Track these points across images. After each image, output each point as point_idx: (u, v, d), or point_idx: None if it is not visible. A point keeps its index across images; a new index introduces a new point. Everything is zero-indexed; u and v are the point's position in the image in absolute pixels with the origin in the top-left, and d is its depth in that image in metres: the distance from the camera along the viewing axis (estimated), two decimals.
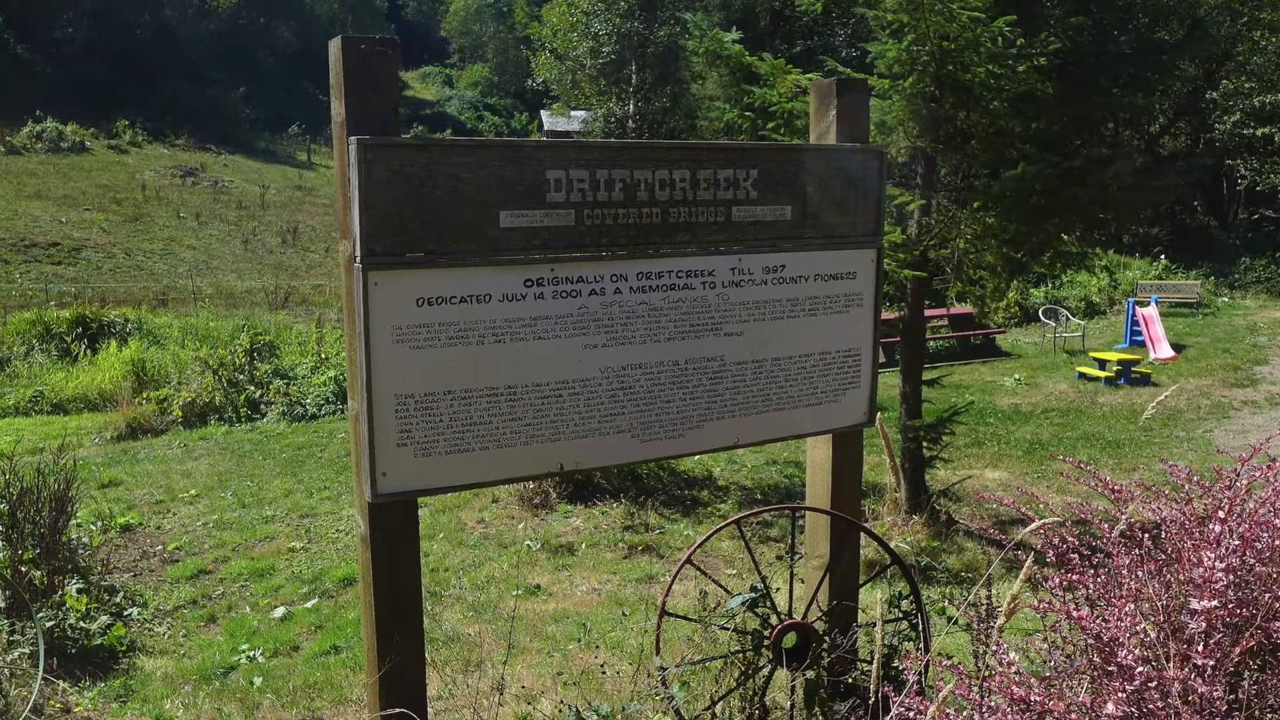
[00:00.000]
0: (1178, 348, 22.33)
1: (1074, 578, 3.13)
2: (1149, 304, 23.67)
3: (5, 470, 7.70)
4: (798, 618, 4.84)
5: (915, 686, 3.11)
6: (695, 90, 29.20)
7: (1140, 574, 3.08)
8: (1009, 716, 2.73)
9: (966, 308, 23.07)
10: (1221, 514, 3.00)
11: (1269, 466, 3.29)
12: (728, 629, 4.82)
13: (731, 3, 38.53)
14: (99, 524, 10.26)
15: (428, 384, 3.80)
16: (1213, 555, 2.87)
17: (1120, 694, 2.67)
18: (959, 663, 3.02)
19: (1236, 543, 2.90)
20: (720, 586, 5.28)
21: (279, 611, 8.27)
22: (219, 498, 11.74)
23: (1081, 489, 9.96)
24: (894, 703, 2.93)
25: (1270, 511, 3.08)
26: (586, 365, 4.13)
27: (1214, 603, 2.78)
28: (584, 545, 9.60)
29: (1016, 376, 19.75)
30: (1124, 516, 3.31)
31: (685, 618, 5.31)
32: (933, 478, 10.78)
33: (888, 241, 8.84)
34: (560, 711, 5.54)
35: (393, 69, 3.72)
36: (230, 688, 6.84)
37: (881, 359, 5.89)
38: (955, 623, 4.32)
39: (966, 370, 20.98)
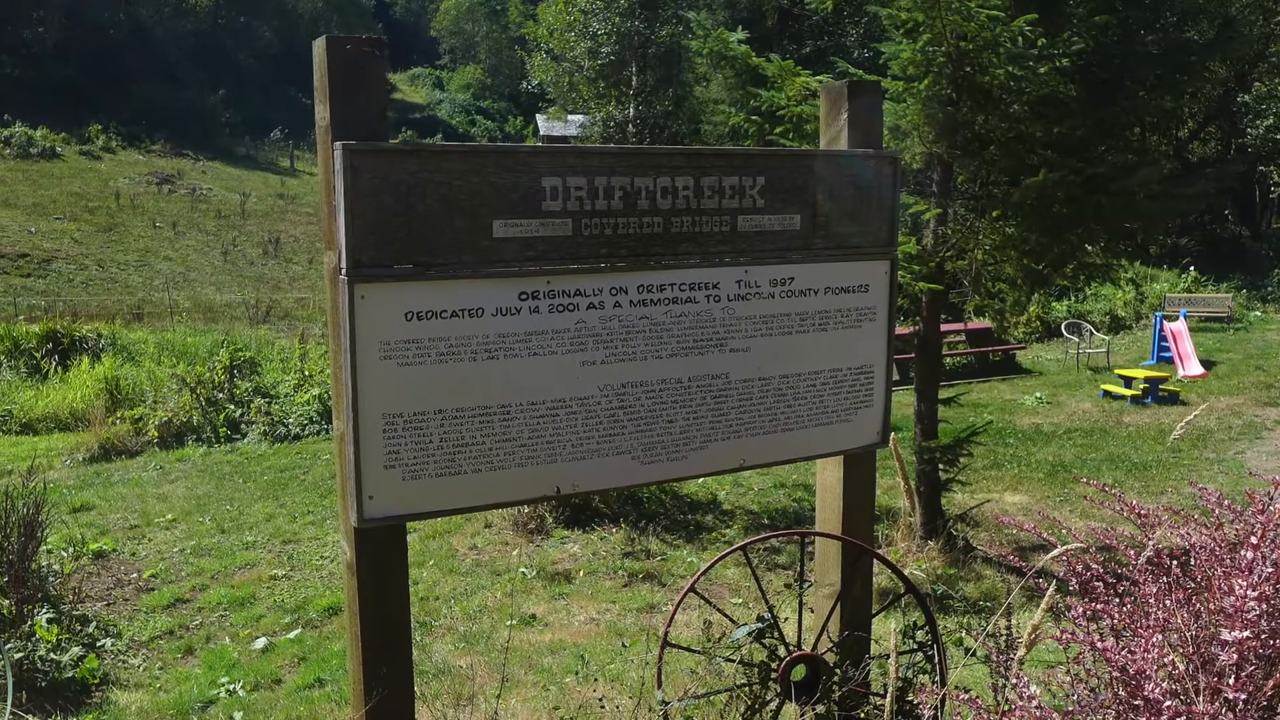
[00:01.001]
0: (1208, 364, 22.33)
1: (1098, 607, 3.13)
2: (1177, 318, 23.67)
3: None
4: (807, 649, 4.83)
5: None
6: (699, 93, 29.27)
7: (1168, 603, 3.08)
8: None
9: (985, 322, 23.08)
10: (1254, 540, 3.00)
11: None
12: (733, 661, 4.81)
13: (737, 1, 38.62)
14: (70, 550, 10.26)
15: (417, 403, 3.79)
16: (1245, 583, 2.87)
17: None
18: (977, 697, 3.02)
19: (1270, 570, 2.90)
20: (725, 616, 5.28)
21: (260, 642, 8.27)
22: (197, 523, 11.73)
23: (1106, 513, 9.96)
24: None
25: None
26: (584, 383, 4.12)
27: (1246, 633, 2.78)
28: (582, 572, 9.60)
29: (1038, 395, 19.75)
30: (1151, 542, 3.31)
31: (688, 649, 5.31)
32: (949, 501, 10.78)
33: (902, 252, 8.86)
34: None
35: (380, 70, 3.73)
36: None
37: (895, 376, 5.89)
38: (973, 654, 4.32)
39: (985, 388, 20.98)
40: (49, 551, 9.34)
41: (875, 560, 5.15)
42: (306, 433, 16.72)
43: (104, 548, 10.57)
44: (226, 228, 49.43)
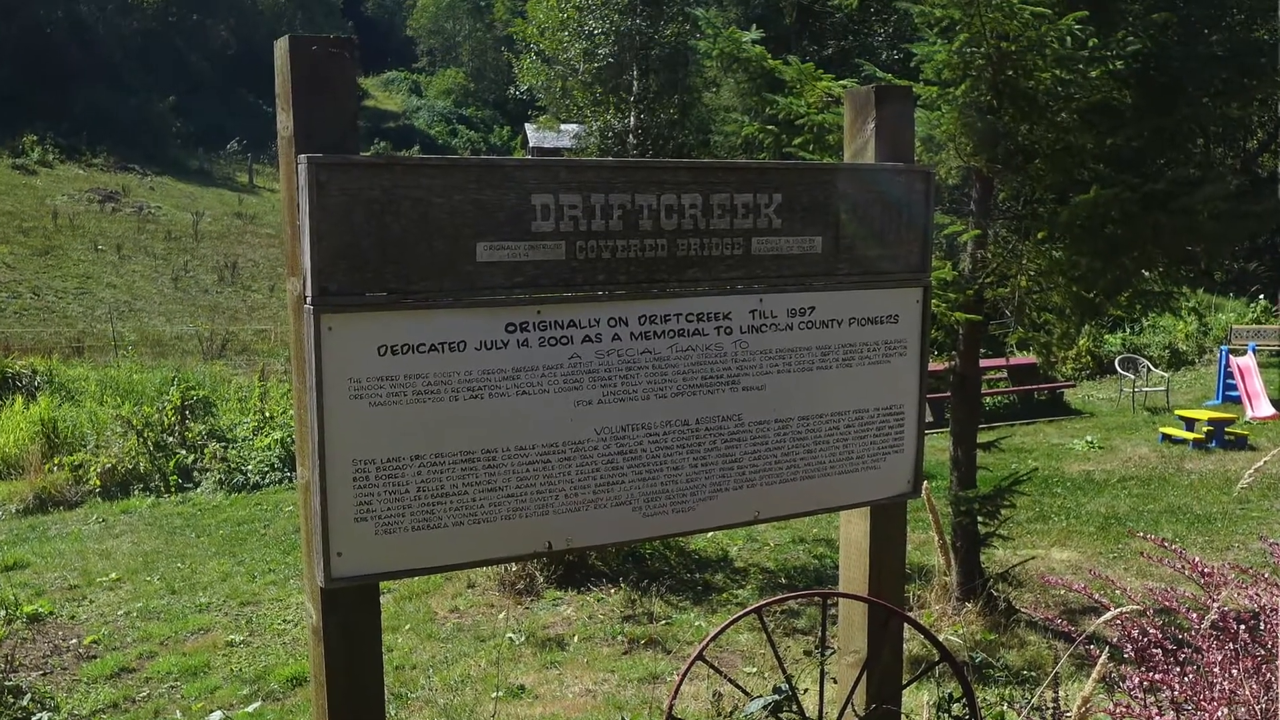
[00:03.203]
0: None
1: (1157, 677, 3.13)
2: (1245, 352, 23.66)
3: None
4: None
5: None
6: (708, 100, 29.36)
7: (1235, 672, 3.07)
8: None
9: (1029, 357, 23.07)
10: None
11: None
12: None
13: None
14: (2, 614, 10.24)
15: (391, 447, 3.78)
16: None
17: None
18: None
19: None
20: (738, 687, 5.26)
21: (215, 717, 8.23)
22: (144, 582, 11.71)
23: (1165, 572, 9.92)
24: None
25: None
26: (579, 425, 4.11)
27: None
28: (576, 638, 9.58)
29: (1088, 439, 19.73)
30: (1216, 604, 3.31)
31: None
32: (989, 558, 10.75)
33: (936, 279, 8.86)
34: None
35: (350, 74, 3.73)
36: None
37: (929, 418, 5.88)
38: None
39: (1029, 431, 20.97)
40: None
41: (906, 624, 5.15)
42: (267, 481, 16.71)
43: (40, 610, 10.55)
44: (177, 251, 49.44)
